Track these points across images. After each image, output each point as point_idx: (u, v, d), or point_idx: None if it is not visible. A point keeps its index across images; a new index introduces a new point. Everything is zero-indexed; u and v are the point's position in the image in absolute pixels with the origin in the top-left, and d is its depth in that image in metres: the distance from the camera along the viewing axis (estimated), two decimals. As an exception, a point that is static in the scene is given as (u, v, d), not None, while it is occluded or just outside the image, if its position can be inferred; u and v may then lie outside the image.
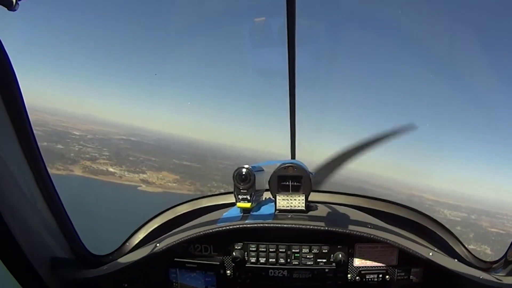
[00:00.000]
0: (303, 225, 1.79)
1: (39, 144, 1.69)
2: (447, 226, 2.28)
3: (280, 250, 1.86)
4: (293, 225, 1.78)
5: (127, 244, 2.31)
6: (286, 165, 1.95)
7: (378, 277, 1.87)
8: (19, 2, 1.22)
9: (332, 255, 1.84)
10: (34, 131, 1.71)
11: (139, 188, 21.04)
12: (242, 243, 1.87)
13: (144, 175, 22.43)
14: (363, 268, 1.87)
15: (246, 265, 1.87)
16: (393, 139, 2.69)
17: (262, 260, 1.87)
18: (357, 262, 1.86)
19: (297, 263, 1.85)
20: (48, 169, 1.77)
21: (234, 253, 1.84)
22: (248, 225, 1.81)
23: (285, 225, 1.78)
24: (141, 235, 2.34)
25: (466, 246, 2.20)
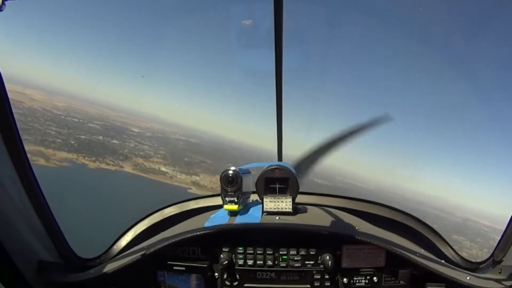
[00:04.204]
0: (289, 225, 1.79)
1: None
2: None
3: (268, 252, 1.86)
4: (280, 225, 1.78)
5: (115, 247, 2.31)
6: (273, 167, 1.95)
7: (365, 278, 1.87)
8: (5, 2, 1.22)
9: (319, 257, 1.84)
10: (21, 136, 1.71)
11: (189, 190, 20.38)
12: (229, 245, 1.87)
13: (197, 178, 21.72)
14: (350, 270, 1.87)
15: (234, 267, 1.87)
16: (368, 131, 2.67)
17: (250, 262, 1.86)
18: (345, 263, 1.86)
19: (284, 265, 1.85)
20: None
21: (221, 256, 1.84)
22: (235, 227, 1.81)
23: (272, 225, 1.79)
24: (128, 237, 2.34)
25: (453, 247, 2.21)
